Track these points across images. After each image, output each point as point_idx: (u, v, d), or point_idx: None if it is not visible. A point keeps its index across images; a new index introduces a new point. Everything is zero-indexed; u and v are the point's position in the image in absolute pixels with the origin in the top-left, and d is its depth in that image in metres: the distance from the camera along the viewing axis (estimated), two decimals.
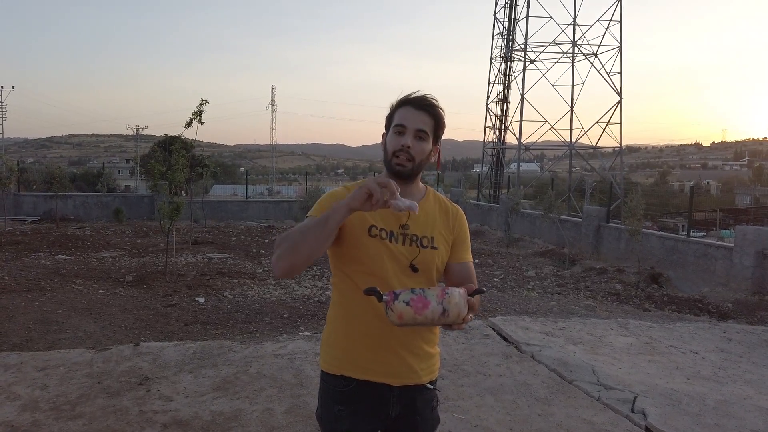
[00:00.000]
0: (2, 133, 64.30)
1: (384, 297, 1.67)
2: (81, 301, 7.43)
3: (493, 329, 5.98)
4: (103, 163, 27.35)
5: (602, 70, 30.06)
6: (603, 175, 31.18)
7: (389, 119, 1.99)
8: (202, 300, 7.71)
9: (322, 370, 2.00)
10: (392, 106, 2.00)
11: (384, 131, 2.01)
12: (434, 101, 1.97)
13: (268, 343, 5.58)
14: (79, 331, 6.00)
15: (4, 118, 61.77)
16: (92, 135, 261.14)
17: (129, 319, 6.55)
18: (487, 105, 32.17)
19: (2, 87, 61.91)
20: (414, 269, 1.91)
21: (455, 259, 2.00)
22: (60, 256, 11.17)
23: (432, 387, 1.99)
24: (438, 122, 1.98)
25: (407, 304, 1.65)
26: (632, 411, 4.08)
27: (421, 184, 2.05)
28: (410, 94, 1.98)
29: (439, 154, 2.06)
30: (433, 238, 1.96)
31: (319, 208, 1.92)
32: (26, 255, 11.04)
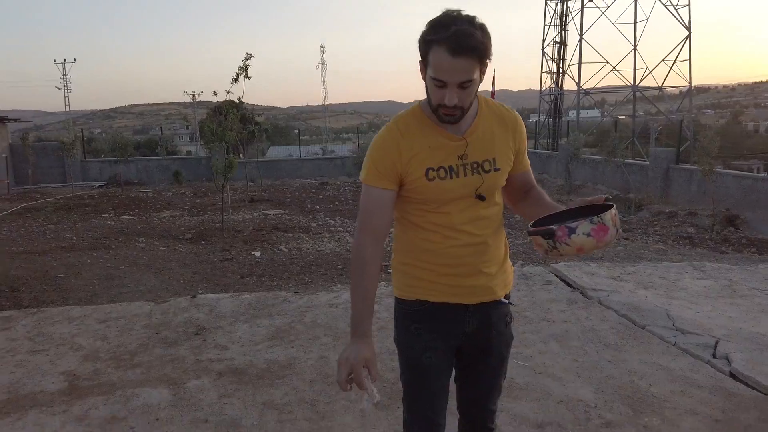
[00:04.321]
0: (69, 106, 67.09)
1: (556, 233, 1.66)
2: (142, 257, 7.61)
3: (556, 275, 5.67)
4: (161, 127, 27.93)
5: (668, 2, 27.96)
6: (670, 118, 29.43)
7: (423, 53, 1.69)
8: (258, 254, 7.74)
9: (396, 297, 1.98)
10: (424, 36, 1.67)
11: (420, 60, 1.72)
12: (473, 34, 1.62)
13: (322, 293, 5.50)
14: (140, 285, 6.12)
15: (69, 91, 64.31)
16: (153, 104, 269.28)
17: (187, 273, 6.63)
18: (543, 49, 30.72)
19: (65, 60, 64.23)
20: (481, 198, 1.84)
21: (518, 170, 1.94)
22: (124, 216, 11.52)
23: (507, 301, 1.96)
24: (482, 56, 1.66)
25: (588, 235, 1.63)
26: (714, 356, 3.74)
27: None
28: (443, 22, 1.63)
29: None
30: (495, 160, 1.85)
31: (374, 172, 1.80)
32: (93, 217, 11.45)
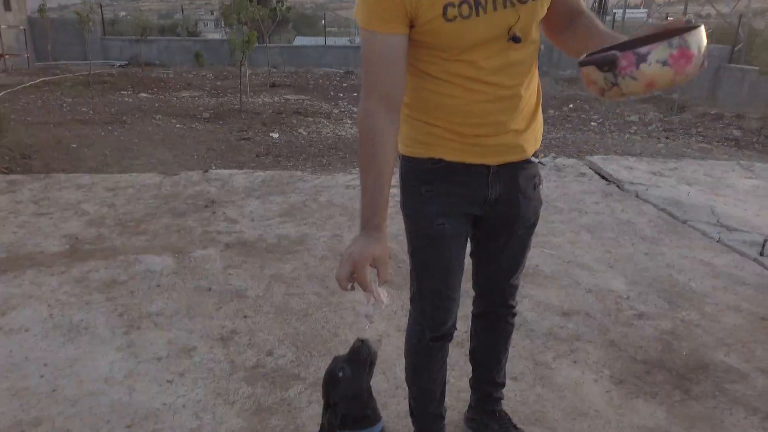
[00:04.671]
0: None
1: (619, 61, 1.22)
2: (158, 133, 7.36)
3: (591, 168, 5.28)
4: (182, 6, 26.72)
5: None
6: (723, 17, 27.29)
7: None
8: (275, 135, 7.43)
9: (402, 154, 1.62)
10: None
11: None
12: None
13: (340, 174, 5.23)
14: (153, 159, 5.91)
15: None
16: None
17: (201, 150, 6.39)
18: None
19: None
20: (515, 40, 1.41)
21: None
22: (142, 94, 11.20)
23: (536, 160, 1.62)
24: None
25: (665, 64, 1.20)
26: (761, 254, 3.42)
27: None
28: None
29: None
30: None
31: (376, 11, 1.36)
32: (111, 93, 11.14)
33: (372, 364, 1.38)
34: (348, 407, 1.38)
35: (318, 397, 2.03)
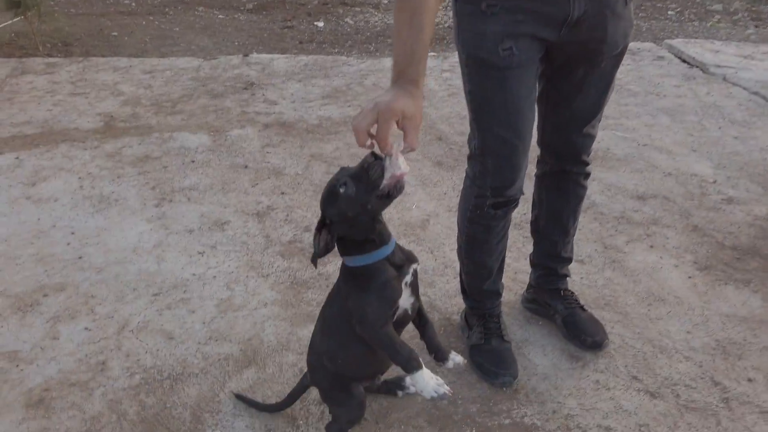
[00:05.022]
0: None
1: None
2: (199, 23, 7.05)
3: (670, 52, 4.69)
4: None
5: None
6: None
7: None
8: (320, 24, 6.99)
9: None
10: None
11: None
12: None
13: (387, 59, 4.83)
14: (192, 45, 5.64)
15: None
16: None
17: (243, 37, 6.07)
18: None
19: None
20: None
21: None
22: None
23: None
24: None
25: None
26: None
27: None
28: None
29: None
30: None
31: None
32: None
33: (390, 195, 1.11)
34: (345, 229, 1.14)
35: None
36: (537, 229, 1.72)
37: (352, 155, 2.94)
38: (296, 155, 2.95)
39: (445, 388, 1.13)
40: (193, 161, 2.86)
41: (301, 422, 1.46)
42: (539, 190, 1.67)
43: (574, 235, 1.71)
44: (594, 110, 1.46)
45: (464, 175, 1.53)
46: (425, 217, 2.38)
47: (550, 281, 1.74)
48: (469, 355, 1.63)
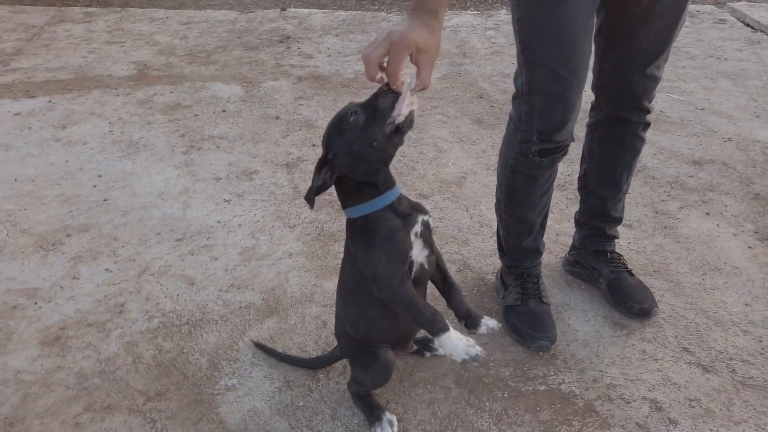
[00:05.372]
0: None
1: None
2: None
3: (733, 15, 4.36)
4: None
5: None
6: None
7: None
8: None
9: None
10: None
11: None
12: None
13: None
14: (231, 0, 5.54)
15: None
16: None
17: None
18: None
19: None
20: None
21: None
22: None
23: None
24: None
25: None
26: None
27: None
28: None
29: None
30: None
31: None
32: None
33: (400, 130, 1.00)
34: (348, 166, 1.03)
35: None
36: (585, 184, 1.58)
37: None
38: (329, 108, 2.84)
39: (477, 349, 1.01)
40: (224, 111, 2.78)
41: (321, 375, 1.38)
42: (591, 142, 1.52)
43: (626, 194, 1.57)
44: (660, 47, 1.30)
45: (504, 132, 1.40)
46: (462, 175, 2.25)
47: (596, 242, 1.60)
48: (503, 316, 1.52)
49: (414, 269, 1.10)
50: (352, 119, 1.01)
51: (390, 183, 1.09)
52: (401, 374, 1.38)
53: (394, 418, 1.24)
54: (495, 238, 1.61)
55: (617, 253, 1.61)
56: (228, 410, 1.28)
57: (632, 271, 1.59)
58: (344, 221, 1.93)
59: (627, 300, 1.52)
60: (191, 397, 1.31)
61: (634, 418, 1.27)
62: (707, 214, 1.98)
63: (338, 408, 1.29)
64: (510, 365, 1.41)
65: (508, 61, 3.40)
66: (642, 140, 1.47)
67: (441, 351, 1.11)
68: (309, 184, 2.16)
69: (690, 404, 1.30)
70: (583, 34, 1.21)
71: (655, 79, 1.36)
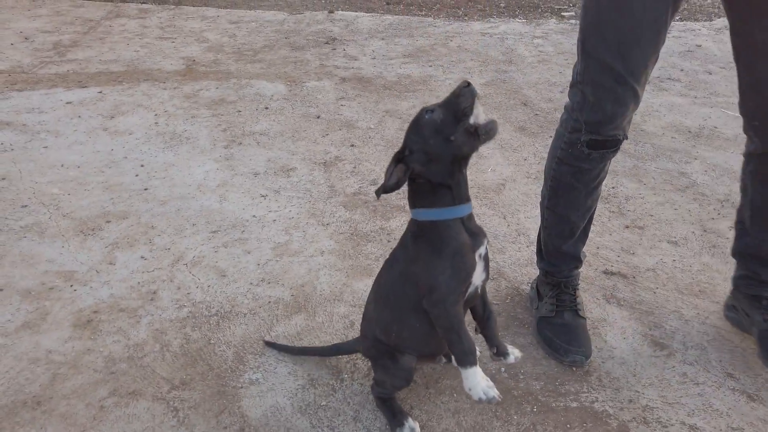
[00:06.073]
0: None
1: None
2: None
3: None
4: None
5: None
6: None
7: None
8: None
9: None
10: None
11: None
12: None
13: (476, 23, 4.60)
14: (281, 1, 5.62)
15: None
16: None
17: None
18: None
19: None
20: None
21: None
22: None
23: None
24: None
25: None
26: None
27: None
28: None
29: None
30: None
31: None
32: None
33: (478, 133, 0.97)
34: (423, 164, 1.00)
35: None
36: (741, 219, 1.46)
37: None
38: (370, 110, 2.84)
39: (495, 392, 1.02)
40: (266, 108, 2.81)
41: (345, 375, 1.36)
42: (744, 175, 1.41)
43: None
44: None
45: (548, 143, 1.35)
46: (501, 182, 2.20)
47: (750, 285, 1.46)
48: (536, 328, 1.46)
49: (469, 291, 1.07)
50: (427, 116, 0.99)
51: (465, 196, 1.05)
52: (427, 380, 1.35)
53: (416, 425, 1.20)
54: (531, 248, 1.56)
55: None
56: (250, 404, 1.27)
57: None
58: (378, 223, 1.92)
59: None
60: (215, 389, 1.30)
61: None
62: None
63: (361, 410, 1.27)
64: (541, 379, 1.36)
65: (555, 70, 3.33)
66: None
67: (458, 369, 1.07)
68: (345, 183, 2.16)
69: None
70: (649, 34, 1.14)
71: None
